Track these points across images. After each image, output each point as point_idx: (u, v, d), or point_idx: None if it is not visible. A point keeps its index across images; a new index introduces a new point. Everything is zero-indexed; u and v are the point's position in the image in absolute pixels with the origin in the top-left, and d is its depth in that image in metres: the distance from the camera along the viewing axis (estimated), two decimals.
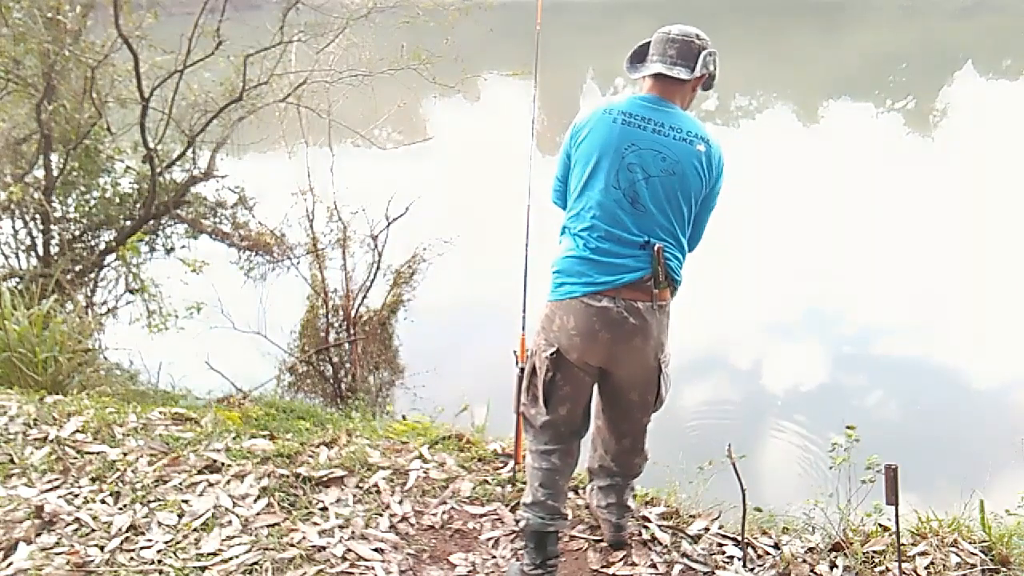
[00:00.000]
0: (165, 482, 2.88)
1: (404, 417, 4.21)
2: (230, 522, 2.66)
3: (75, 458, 3.00)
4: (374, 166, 8.36)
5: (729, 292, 7.19)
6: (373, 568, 2.50)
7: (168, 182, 7.56)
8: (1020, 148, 11.02)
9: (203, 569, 2.44)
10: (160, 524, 2.63)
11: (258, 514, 2.72)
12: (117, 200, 7.33)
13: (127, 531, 2.59)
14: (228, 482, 2.89)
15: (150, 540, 2.56)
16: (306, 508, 2.77)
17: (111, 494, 2.79)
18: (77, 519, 2.64)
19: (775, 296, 7.37)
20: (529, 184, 2.87)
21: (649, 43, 2.37)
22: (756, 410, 5.73)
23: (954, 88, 15.80)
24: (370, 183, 7.23)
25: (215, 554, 2.51)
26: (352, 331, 6.70)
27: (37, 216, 6.77)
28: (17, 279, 6.30)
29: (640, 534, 2.71)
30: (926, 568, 2.51)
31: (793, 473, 4.89)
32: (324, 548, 2.57)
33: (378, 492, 2.91)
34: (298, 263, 7.36)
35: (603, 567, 2.57)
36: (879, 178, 10.36)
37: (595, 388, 2.47)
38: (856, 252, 8.15)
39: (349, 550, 2.57)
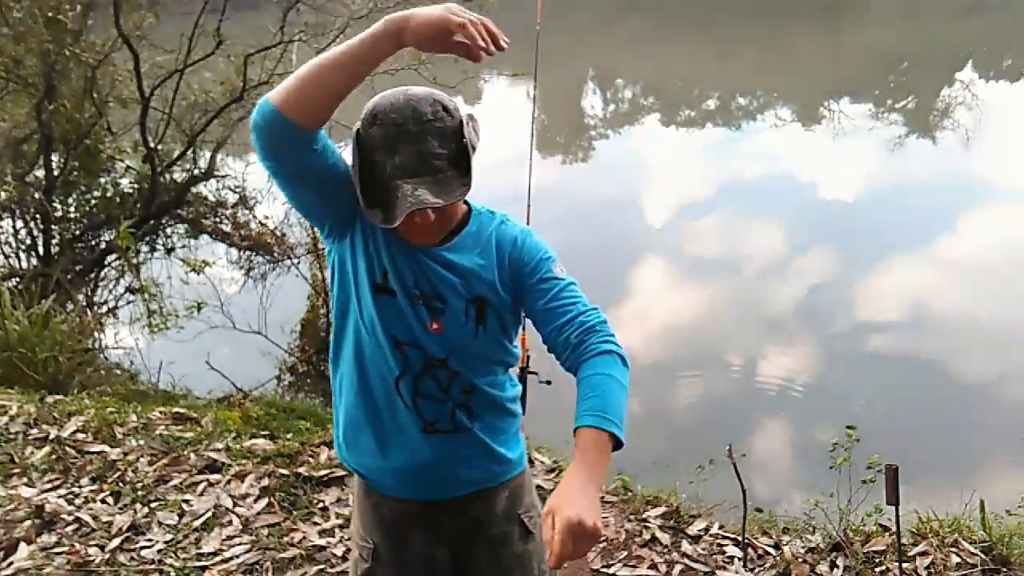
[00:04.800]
0: (165, 482, 2.88)
1: None
2: (230, 522, 2.67)
3: (75, 458, 3.01)
4: None
5: (728, 291, 7.19)
6: None
7: (168, 182, 7.57)
8: (1018, 148, 11.01)
9: (203, 569, 2.44)
10: (160, 524, 2.63)
11: (258, 514, 2.72)
12: (118, 200, 7.33)
13: (127, 531, 2.59)
14: (228, 482, 2.89)
15: (150, 540, 2.56)
16: (306, 508, 2.77)
17: (111, 494, 2.79)
18: (77, 519, 2.65)
19: (773, 294, 7.36)
20: (529, 184, 2.87)
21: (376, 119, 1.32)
22: (755, 409, 5.72)
23: (954, 88, 15.81)
24: None
25: (215, 554, 2.51)
26: None
27: (37, 216, 6.78)
28: (17, 279, 6.30)
29: (640, 534, 2.71)
30: (926, 568, 2.51)
31: (793, 472, 4.88)
32: (324, 548, 2.57)
33: None
34: (298, 263, 7.34)
35: (603, 567, 2.57)
36: (878, 177, 10.36)
37: None
38: (856, 249, 8.14)
39: (349, 550, 2.57)
